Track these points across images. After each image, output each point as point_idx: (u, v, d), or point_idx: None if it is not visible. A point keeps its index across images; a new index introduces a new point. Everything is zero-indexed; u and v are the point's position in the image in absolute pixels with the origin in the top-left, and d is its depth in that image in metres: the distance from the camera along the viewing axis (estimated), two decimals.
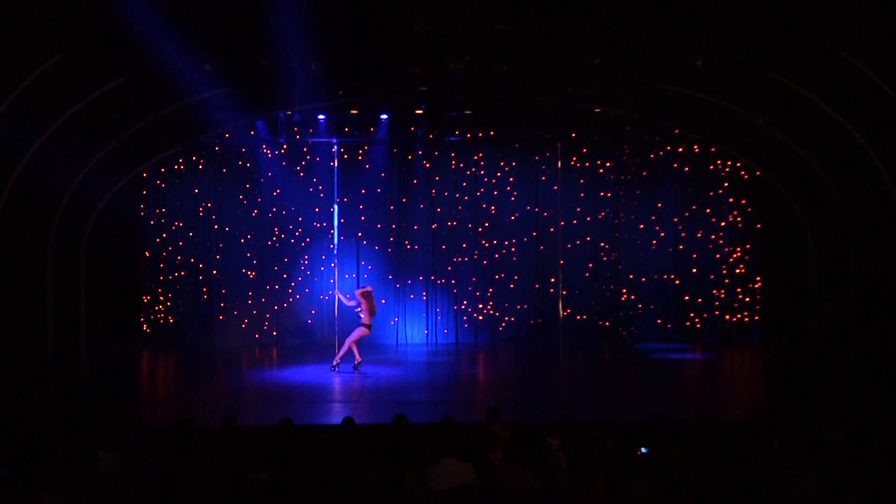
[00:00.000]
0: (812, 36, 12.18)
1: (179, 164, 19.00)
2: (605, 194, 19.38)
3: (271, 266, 19.20)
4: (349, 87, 15.45)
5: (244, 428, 9.44)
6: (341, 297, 15.86)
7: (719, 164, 19.14)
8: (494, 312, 19.50)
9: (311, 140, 17.70)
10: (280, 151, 18.85)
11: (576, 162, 19.29)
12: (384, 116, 17.34)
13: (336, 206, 16.59)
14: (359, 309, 15.23)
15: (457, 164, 19.53)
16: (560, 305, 17.23)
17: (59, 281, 16.35)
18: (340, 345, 15.60)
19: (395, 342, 19.32)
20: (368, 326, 15.14)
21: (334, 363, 15.19)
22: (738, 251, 19.25)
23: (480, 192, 19.53)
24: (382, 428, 9.23)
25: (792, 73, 13.52)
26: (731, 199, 19.23)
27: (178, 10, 11.79)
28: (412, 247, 19.47)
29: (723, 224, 19.26)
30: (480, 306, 19.54)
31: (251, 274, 19.20)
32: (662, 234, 19.36)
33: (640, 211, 19.33)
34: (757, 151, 17.00)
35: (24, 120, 13.02)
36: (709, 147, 18.43)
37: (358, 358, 15.15)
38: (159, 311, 18.99)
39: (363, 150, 19.10)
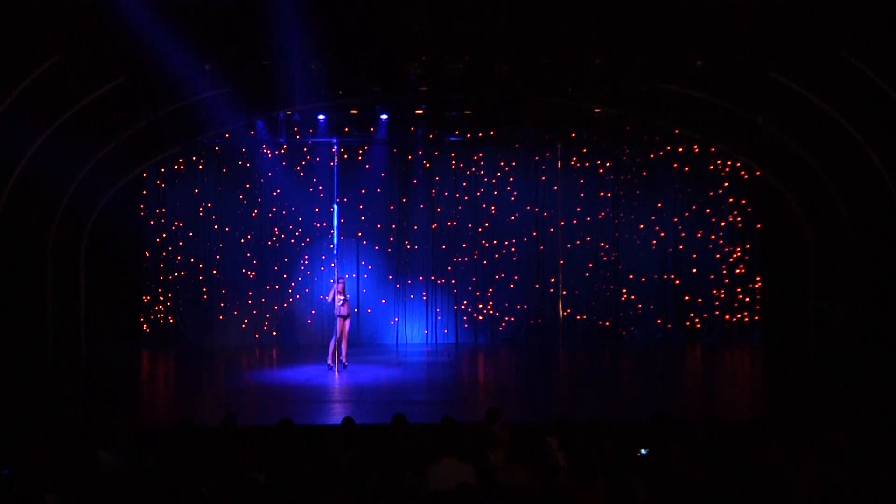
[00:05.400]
0: (812, 36, 12.18)
1: (179, 164, 18.99)
2: (605, 194, 19.38)
3: (271, 266, 19.20)
4: (349, 87, 15.45)
5: (244, 428, 9.43)
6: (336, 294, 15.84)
7: (719, 164, 19.14)
8: (494, 312, 19.49)
9: (311, 140, 17.69)
10: (280, 151, 18.85)
11: (576, 162, 19.29)
12: (384, 116, 17.32)
13: (336, 206, 16.57)
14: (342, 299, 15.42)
15: (457, 164, 19.52)
16: (560, 305, 17.23)
17: (59, 281, 16.34)
18: (339, 346, 15.57)
19: (395, 342, 19.31)
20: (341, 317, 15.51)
21: (344, 363, 15.25)
22: (738, 251, 19.24)
23: (480, 192, 19.52)
24: (382, 428, 9.22)
25: (792, 72, 13.51)
26: (731, 199, 19.22)
27: (178, 9, 11.79)
28: (412, 247, 19.47)
29: (723, 224, 19.25)
30: (480, 306, 19.53)
31: (251, 274, 19.20)
32: (662, 234, 19.36)
33: (640, 211, 19.32)
34: (757, 151, 16.99)
35: (24, 120, 13.01)
36: (709, 147, 18.42)
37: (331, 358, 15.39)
38: (159, 311, 18.98)
39: (363, 150, 19.11)
